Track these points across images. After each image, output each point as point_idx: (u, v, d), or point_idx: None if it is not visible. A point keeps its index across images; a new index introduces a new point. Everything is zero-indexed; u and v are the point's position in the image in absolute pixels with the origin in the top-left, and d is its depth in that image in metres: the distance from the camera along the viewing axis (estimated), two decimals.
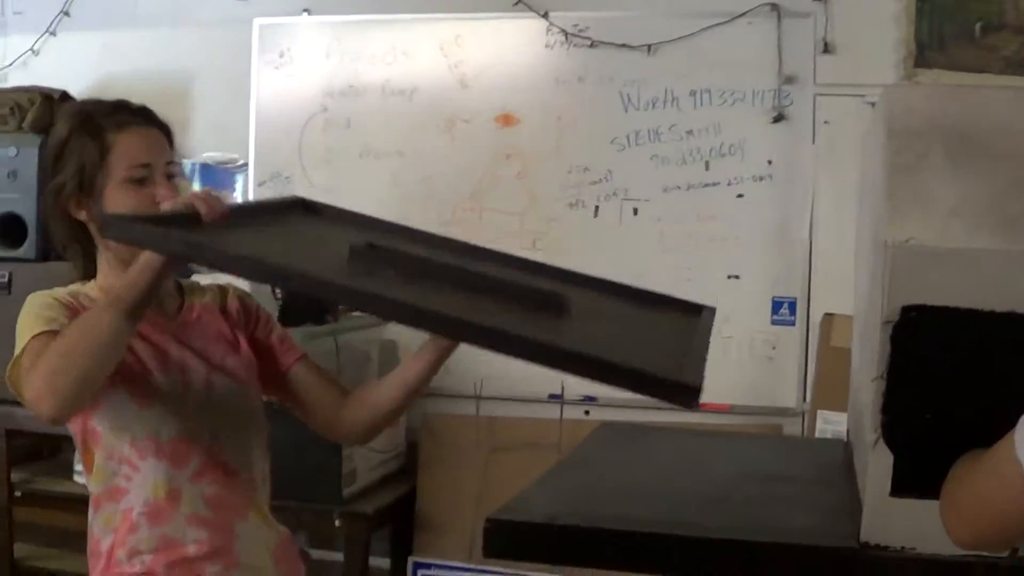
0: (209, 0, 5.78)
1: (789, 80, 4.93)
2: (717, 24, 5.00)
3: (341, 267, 2.22)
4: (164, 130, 2.69)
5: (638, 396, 1.80)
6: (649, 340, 2.31)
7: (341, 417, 2.78)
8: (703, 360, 2.06)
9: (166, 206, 2.42)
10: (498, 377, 5.13)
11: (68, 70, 5.77)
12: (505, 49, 5.29)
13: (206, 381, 2.65)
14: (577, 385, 4.98)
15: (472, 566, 4.86)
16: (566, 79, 5.22)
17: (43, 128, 5.41)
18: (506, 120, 5.29)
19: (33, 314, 2.50)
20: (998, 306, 1.61)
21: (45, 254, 5.29)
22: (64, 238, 2.67)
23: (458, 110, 5.35)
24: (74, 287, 2.66)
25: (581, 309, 2.25)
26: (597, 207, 5.20)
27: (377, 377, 4.95)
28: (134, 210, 2.55)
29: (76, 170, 2.56)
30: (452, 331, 2.07)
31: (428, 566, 4.97)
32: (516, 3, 5.22)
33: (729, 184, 5.04)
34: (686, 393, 1.80)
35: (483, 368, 5.12)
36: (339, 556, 4.77)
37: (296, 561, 2.87)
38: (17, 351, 2.46)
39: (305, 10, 5.60)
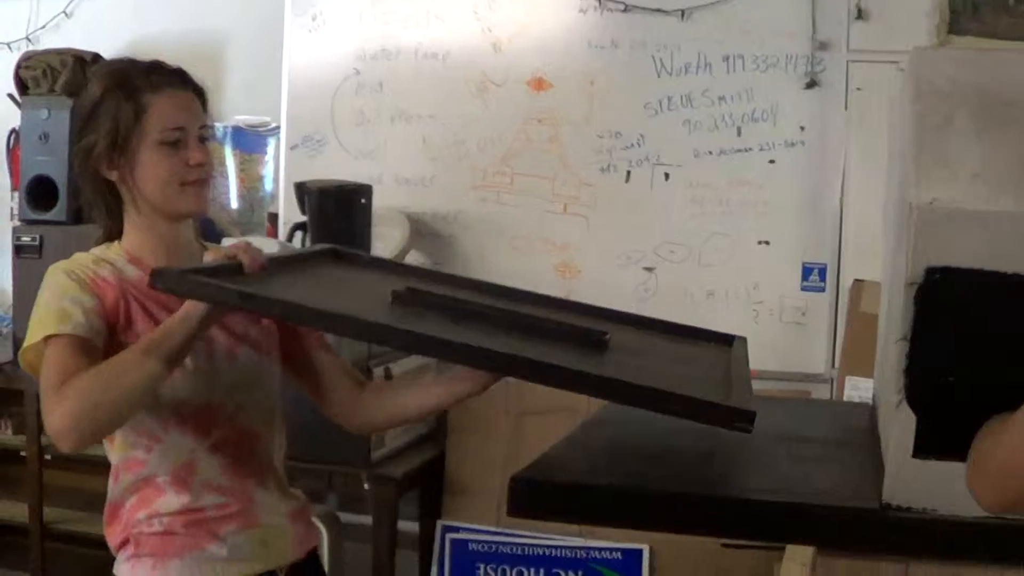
0: None
1: (822, 46, 4.91)
2: None
3: (387, 311, 2.28)
4: (199, 93, 2.70)
5: None
6: (692, 371, 2.37)
7: (355, 411, 2.80)
8: (749, 386, 2.09)
9: (208, 258, 2.45)
10: None
11: (100, 32, 5.78)
12: (538, 13, 5.28)
13: (229, 352, 2.66)
14: None
15: (501, 529, 4.88)
16: (599, 44, 5.21)
17: (75, 91, 5.43)
18: (539, 84, 5.29)
19: (51, 300, 2.52)
20: (1022, 268, 1.62)
21: (77, 217, 5.31)
22: (92, 197, 2.69)
23: (491, 74, 5.35)
24: (99, 250, 2.67)
25: (619, 344, 2.31)
26: (629, 172, 5.19)
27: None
28: (168, 172, 2.58)
29: (109, 129, 2.58)
30: (508, 367, 2.09)
31: (456, 529, 5.00)
32: None
33: (761, 150, 5.02)
34: (742, 418, 1.88)
35: None
36: (368, 519, 4.80)
37: (311, 526, 2.89)
38: (31, 338, 2.49)
39: None
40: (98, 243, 2.72)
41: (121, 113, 2.57)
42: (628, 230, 5.18)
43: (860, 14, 4.88)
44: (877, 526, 1.81)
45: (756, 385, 2.69)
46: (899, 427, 1.77)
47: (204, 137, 2.66)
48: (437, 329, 2.16)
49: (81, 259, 2.63)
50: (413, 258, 5.36)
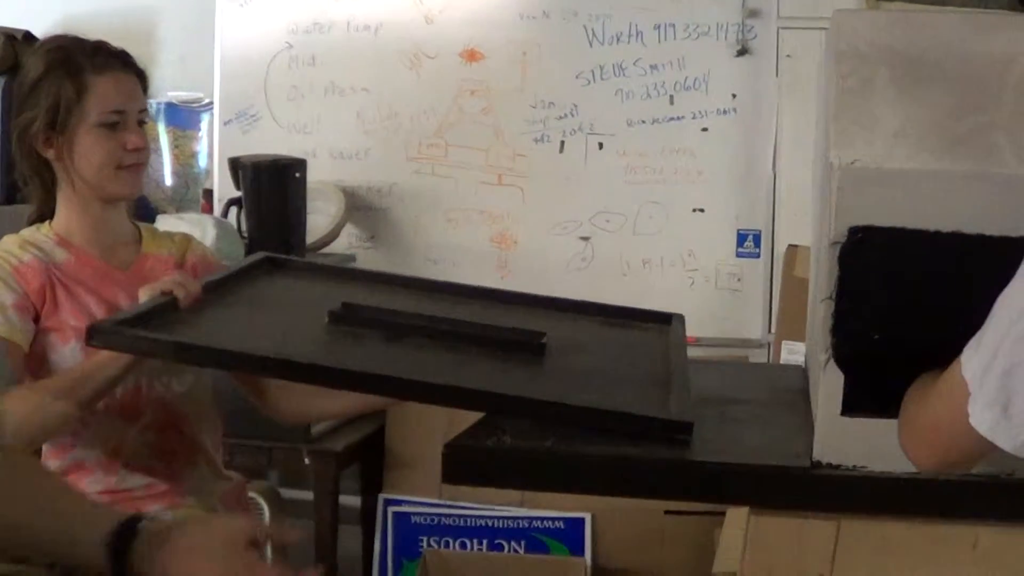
0: None
1: (752, 13, 4.94)
2: None
3: (324, 335, 2.29)
4: (140, 76, 2.71)
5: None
6: (631, 367, 2.37)
7: (279, 406, 2.82)
8: (687, 382, 2.11)
9: (143, 294, 2.41)
10: None
11: (30, 9, 5.72)
12: None
13: None
14: None
15: (443, 501, 4.89)
16: (531, 14, 5.21)
17: (5, 69, 5.39)
18: (471, 56, 5.28)
19: None
20: (943, 226, 1.64)
21: (9, 197, 5.27)
22: (27, 173, 2.68)
23: (423, 46, 5.33)
24: (28, 232, 2.67)
25: (558, 344, 2.31)
26: (563, 142, 5.20)
27: None
28: (106, 154, 2.57)
29: (48, 107, 2.57)
30: (445, 399, 2.09)
31: (398, 502, 5.00)
32: None
33: (694, 118, 5.05)
34: (679, 430, 1.91)
35: None
36: (309, 495, 4.79)
37: (247, 505, 2.90)
38: None
39: None
40: (31, 220, 2.71)
41: (62, 91, 2.56)
42: (563, 200, 5.19)
43: None
44: (808, 483, 1.83)
45: (694, 352, 2.73)
46: (827, 386, 1.79)
47: (142, 121, 2.66)
48: (374, 356, 2.19)
49: (7, 244, 2.63)
50: (348, 231, 5.36)
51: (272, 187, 4.94)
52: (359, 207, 5.42)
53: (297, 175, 4.97)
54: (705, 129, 5.03)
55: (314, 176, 5.12)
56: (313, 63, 5.49)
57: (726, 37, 4.98)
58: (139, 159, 2.66)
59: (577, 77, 5.15)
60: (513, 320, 2.47)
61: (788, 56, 4.93)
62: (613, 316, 2.73)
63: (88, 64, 2.59)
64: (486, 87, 5.27)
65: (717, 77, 5.01)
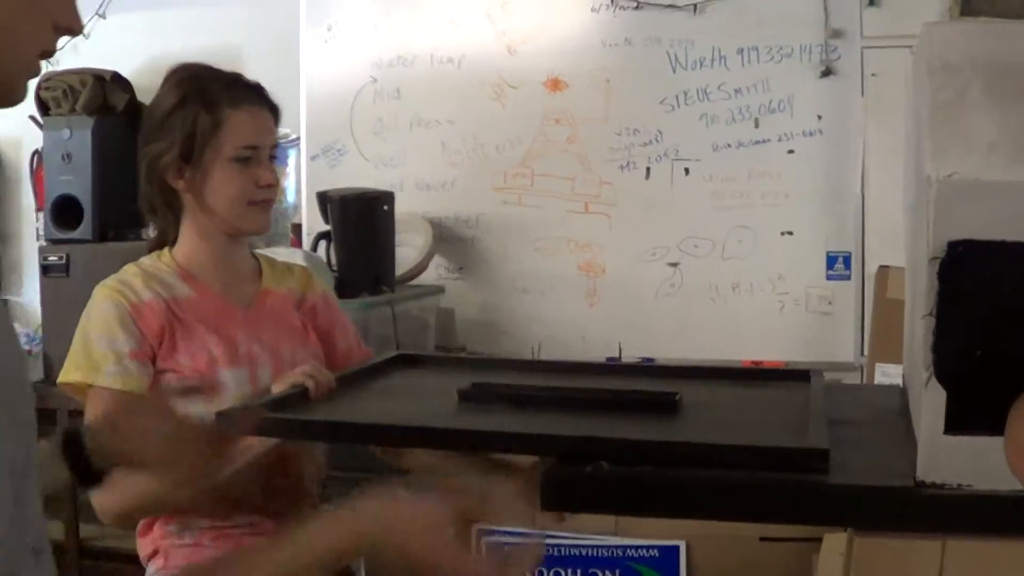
0: None
1: (836, 34, 4.91)
2: None
3: (453, 411, 2.27)
4: (273, 110, 2.68)
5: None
6: (766, 415, 2.33)
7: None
8: (824, 422, 2.06)
9: (276, 387, 2.40)
10: (556, 340, 5.16)
11: (119, 51, 5.79)
12: (551, 14, 5.29)
13: (275, 377, 2.64)
14: (635, 348, 5.00)
15: (536, 531, 4.87)
16: (613, 42, 5.22)
17: (95, 109, 5.47)
18: (554, 85, 5.30)
19: (90, 333, 2.53)
20: None
21: (102, 235, 5.34)
22: (153, 202, 2.67)
23: (507, 76, 5.36)
24: (149, 262, 2.65)
25: (691, 403, 2.27)
26: (648, 168, 5.20)
27: (434, 345, 5.01)
28: (238, 189, 2.57)
29: (183, 139, 2.54)
30: (576, 448, 2.01)
31: (492, 532, 4.99)
32: None
33: (779, 140, 5.02)
34: (814, 458, 1.84)
35: (541, 330, 5.16)
36: None
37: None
38: (68, 370, 2.51)
39: None
40: (151, 247, 2.70)
41: (198, 123, 2.53)
42: (650, 226, 5.18)
43: (872, 1, 4.88)
44: (912, 504, 1.80)
45: (717, 364, 2.71)
46: (929, 404, 1.76)
47: (274, 156, 2.65)
48: (505, 423, 2.15)
49: (127, 278, 2.60)
50: (437, 262, 5.39)
51: (360, 220, 4.96)
52: (447, 238, 5.44)
53: (385, 208, 5.00)
54: (791, 151, 5.00)
55: (401, 208, 5.14)
56: (398, 96, 5.53)
57: (810, 58, 4.95)
58: (270, 195, 2.63)
59: (661, 103, 5.15)
60: (643, 387, 2.44)
61: (873, 75, 4.89)
62: (748, 378, 2.69)
63: (225, 97, 2.56)
64: (570, 115, 5.27)
65: (802, 99, 4.99)
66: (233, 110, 2.55)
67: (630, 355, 4.97)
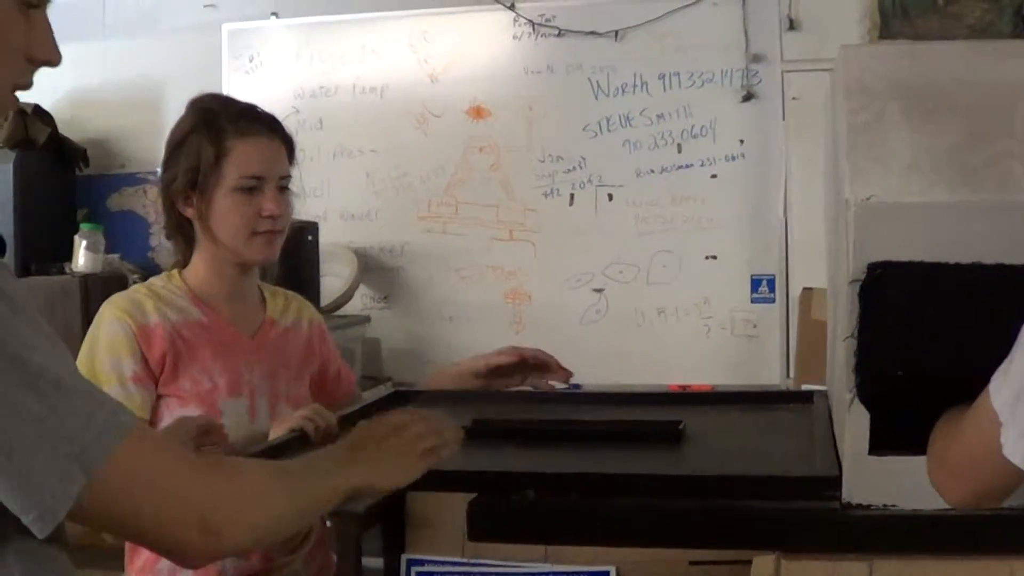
0: (177, 8, 5.78)
1: (756, 59, 4.95)
2: (683, 7, 5.01)
3: (456, 451, 2.25)
4: (286, 142, 2.68)
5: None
6: (773, 442, 2.31)
7: None
8: (831, 448, 2.05)
9: (274, 433, 2.39)
10: None
11: (39, 84, 5.69)
12: (473, 42, 5.30)
13: (271, 409, 2.63)
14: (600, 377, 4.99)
15: (466, 559, 4.85)
16: (535, 69, 5.24)
17: (16, 143, 5.41)
18: (477, 113, 5.30)
19: (94, 352, 2.50)
20: (962, 258, 1.62)
21: (25, 269, 5.28)
22: (169, 228, 2.67)
23: (429, 105, 5.36)
24: (160, 283, 2.64)
25: (696, 431, 2.27)
26: (572, 195, 5.21)
27: (360, 376, 4.98)
28: (241, 219, 2.56)
29: (189, 168, 2.55)
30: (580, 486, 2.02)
31: (422, 562, 4.96)
32: None
33: (702, 165, 5.06)
34: (825, 486, 1.82)
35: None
36: (332, 557, 4.76)
37: (327, 557, 2.88)
38: None
39: (273, 13, 5.60)
40: (174, 267, 2.69)
41: (202, 153, 2.54)
42: (575, 253, 5.19)
43: (792, 24, 4.93)
44: (839, 526, 1.80)
45: (721, 389, 2.71)
46: (853, 425, 1.77)
47: (284, 187, 2.63)
48: (510, 460, 2.15)
49: (138, 297, 2.59)
50: (362, 292, 5.37)
51: (284, 250, 4.92)
52: (372, 268, 5.43)
53: (309, 238, 4.98)
54: (714, 176, 5.04)
55: (326, 238, 5.14)
56: (320, 126, 5.52)
57: (731, 83, 4.98)
58: (274, 226, 2.61)
59: (584, 129, 5.17)
60: (646, 417, 2.44)
61: (794, 99, 4.93)
62: (750, 401, 2.68)
63: (231, 128, 2.56)
64: (493, 143, 5.28)
65: (724, 123, 5.02)
66: (238, 140, 2.55)
67: (591, 386, 4.96)
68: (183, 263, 2.69)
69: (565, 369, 2.82)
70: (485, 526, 1.94)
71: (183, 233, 2.66)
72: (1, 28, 1.46)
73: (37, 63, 1.53)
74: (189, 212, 2.60)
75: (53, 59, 1.54)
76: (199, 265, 2.66)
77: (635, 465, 2.06)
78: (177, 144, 2.62)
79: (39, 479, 1.35)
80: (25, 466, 1.34)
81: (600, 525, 1.90)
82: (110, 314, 2.56)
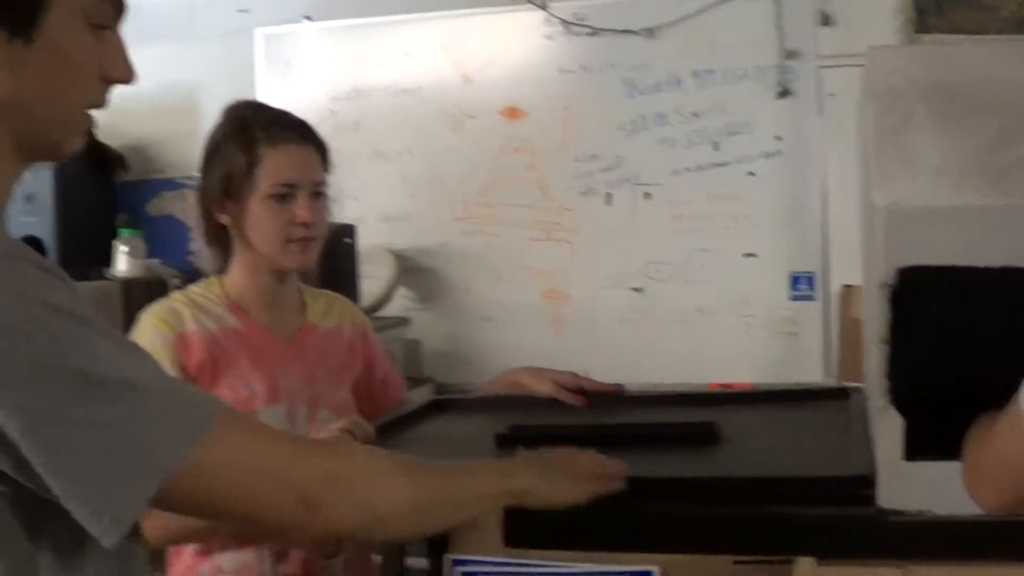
0: (211, 13, 5.81)
1: (791, 55, 4.91)
2: (716, 3, 4.98)
3: (489, 457, 2.24)
4: (319, 148, 2.68)
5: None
6: (808, 441, 2.29)
7: None
8: (868, 445, 2.03)
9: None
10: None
11: None
12: (506, 43, 5.29)
13: (310, 415, 2.64)
14: (602, 375, 4.96)
15: (509, 560, 4.85)
16: (569, 68, 5.22)
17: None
18: (512, 113, 5.29)
19: None
20: (993, 261, 1.60)
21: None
22: (205, 235, 2.68)
23: (464, 106, 5.36)
24: (198, 291, 2.67)
25: (730, 430, 2.26)
26: (609, 194, 5.19)
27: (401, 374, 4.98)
28: (274, 227, 2.57)
29: (223, 176, 2.57)
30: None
31: (465, 562, 4.96)
32: None
33: (739, 163, 5.02)
34: (857, 486, 1.80)
35: (507, 359, 5.13)
36: (376, 559, 4.77)
37: (368, 560, 2.87)
38: None
39: (306, 17, 5.61)
40: (214, 273, 2.70)
41: (235, 161, 2.56)
42: (613, 252, 5.17)
43: (826, 20, 4.89)
44: (874, 531, 1.79)
45: (755, 388, 2.68)
46: (887, 431, 1.75)
47: (319, 193, 2.63)
48: None
49: (176, 306, 2.60)
50: (401, 294, 5.38)
51: (322, 253, 4.93)
52: (410, 269, 5.43)
53: (347, 240, 4.98)
54: (751, 173, 5.00)
55: (364, 241, 5.13)
56: (356, 129, 5.52)
57: (766, 79, 4.95)
58: (309, 233, 2.62)
59: (619, 128, 5.15)
60: (680, 417, 2.43)
61: (831, 95, 4.89)
62: (786, 399, 2.65)
63: (262, 136, 2.57)
64: (529, 144, 5.27)
65: (760, 120, 4.99)
66: (269, 148, 2.56)
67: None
68: (222, 269, 2.70)
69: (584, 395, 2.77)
70: (521, 532, 1.94)
71: (220, 240, 2.67)
72: (75, 51, 1.50)
73: (111, 82, 1.56)
74: (224, 219, 2.61)
75: (127, 77, 1.58)
76: (236, 272, 2.67)
77: (669, 468, 2.05)
78: (211, 152, 2.63)
79: (110, 487, 1.38)
80: (94, 475, 1.37)
81: (631, 530, 1.90)
82: (148, 323, 2.57)
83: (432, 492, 1.71)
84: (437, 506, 1.73)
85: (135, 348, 1.50)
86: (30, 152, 1.57)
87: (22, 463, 1.37)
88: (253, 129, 2.59)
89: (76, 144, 1.58)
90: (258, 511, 1.53)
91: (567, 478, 1.85)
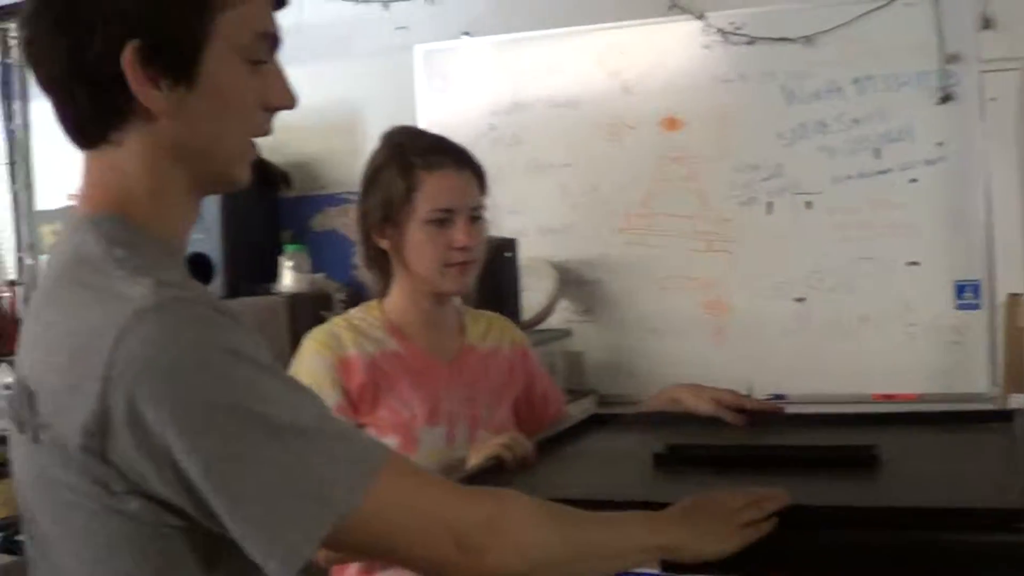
0: (370, 31, 5.89)
1: (952, 59, 4.81)
2: (874, 9, 4.90)
3: (648, 479, 2.26)
4: (477, 173, 2.72)
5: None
6: (969, 467, 2.26)
7: None
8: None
9: (471, 461, 2.41)
10: (684, 380, 5.06)
11: None
12: (664, 53, 5.27)
13: (470, 435, 2.67)
14: (764, 385, 4.94)
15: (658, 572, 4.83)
16: (727, 77, 5.18)
17: None
18: (671, 124, 5.27)
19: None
20: None
21: (234, 290, 5.41)
22: (364, 259, 2.74)
23: (622, 117, 5.35)
24: (358, 315, 2.74)
25: (891, 455, 2.23)
26: (770, 203, 5.14)
27: (563, 387, 4.99)
28: (433, 252, 2.61)
29: (382, 201, 2.63)
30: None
31: None
32: (671, 7, 5.20)
33: (901, 170, 4.93)
34: (1017, 516, 1.77)
35: (669, 370, 5.13)
36: None
37: None
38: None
39: (464, 33, 5.66)
40: (378, 297, 2.77)
41: (394, 187, 2.60)
42: (774, 262, 5.12)
43: (987, 23, 4.79)
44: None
45: (917, 408, 2.64)
46: None
47: (476, 217, 2.68)
48: (698, 490, 2.13)
49: (337, 330, 2.66)
50: (563, 306, 5.39)
51: (484, 267, 4.96)
52: (571, 281, 5.44)
53: (508, 254, 5.00)
54: (914, 180, 4.91)
55: (525, 254, 5.15)
56: (516, 142, 5.55)
57: (927, 85, 4.85)
58: (467, 257, 2.66)
59: (779, 137, 5.10)
60: (839, 439, 2.41)
61: (992, 100, 4.78)
62: (947, 421, 2.61)
63: (420, 161, 2.61)
64: (687, 153, 5.25)
65: (922, 127, 4.89)
66: (428, 174, 2.60)
67: (760, 393, 4.86)
68: (381, 293, 2.74)
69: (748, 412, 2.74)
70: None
71: (380, 264, 2.72)
72: (235, 89, 1.57)
73: (274, 110, 1.63)
74: (384, 244, 2.65)
75: (289, 104, 1.65)
76: (396, 295, 2.70)
77: (827, 494, 2.03)
78: (370, 178, 2.67)
79: (286, 526, 1.42)
80: (271, 515, 1.42)
81: (784, 556, 1.88)
82: (310, 348, 2.63)
83: (584, 543, 1.72)
84: (588, 557, 1.73)
85: (306, 390, 1.54)
86: (203, 189, 1.65)
87: (201, 502, 1.42)
88: (411, 155, 2.63)
89: (245, 175, 1.64)
90: (419, 555, 1.55)
91: (719, 528, 1.82)
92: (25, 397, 1.51)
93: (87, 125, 1.57)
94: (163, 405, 1.38)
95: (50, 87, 1.57)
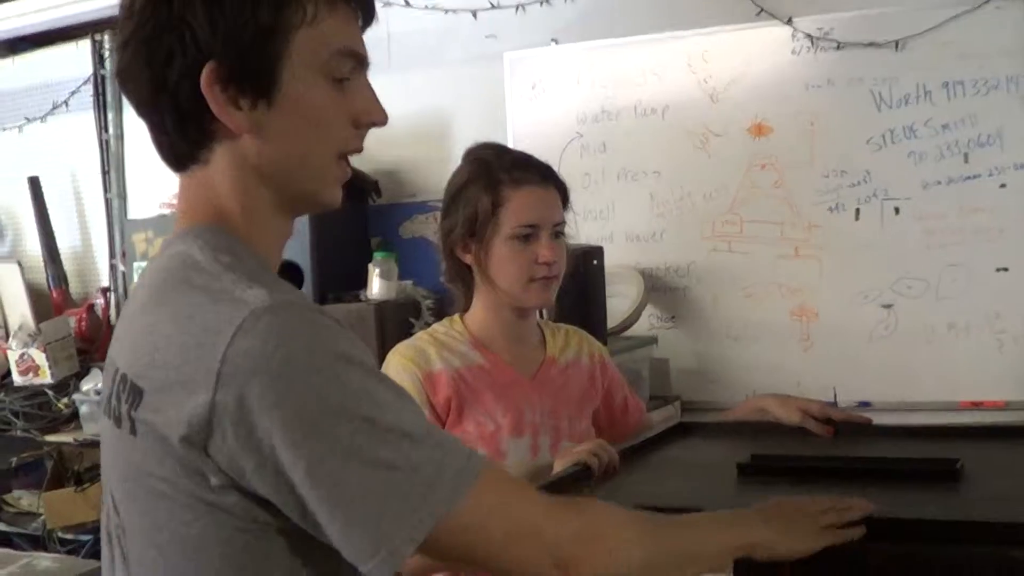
0: (459, 39, 5.91)
1: None
2: (964, 12, 4.86)
3: (732, 488, 2.29)
4: (560, 189, 2.77)
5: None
6: None
7: None
8: None
9: (557, 467, 2.42)
10: (771, 387, 5.08)
11: None
12: (752, 59, 5.26)
13: (553, 445, 2.70)
14: (851, 392, 4.92)
15: None
16: (816, 83, 5.16)
17: None
18: (759, 130, 5.27)
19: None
20: None
21: (322, 298, 5.47)
22: (449, 274, 2.79)
23: (710, 124, 5.34)
24: (442, 330, 2.81)
25: (974, 468, 2.24)
26: (858, 209, 5.11)
27: (648, 396, 4.99)
28: (517, 267, 2.67)
29: (467, 217, 2.69)
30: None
31: None
32: (759, 13, 5.19)
33: (991, 175, 4.89)
34: None
35: (755, 377, 5.12)
36: None
37: None
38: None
39: (553, 40, 5.67)
40: (461, 311, 2.80)
41: (479, 203, 2.66)
42: (862, 268, 5.09)
43: None
44: None
45: (1005, 417, 2.62)
46: None
47: (559, 232, 2.72)
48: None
49: (422, 345, 2.71)
50: (649, 312, 5.39)
51: (571, 274, 4.98)
52: (658, 288, 5.44)
53: (595, 261, 5.01)
54: (1003, 185, 4.87)
55: (611, 260, 5.15)
56: (604, 149, 5.56)
57: (1017, 89, 4.81)
58: (550, 272, 2.71)
59: (867, 143, 5.07)
60: (925, 452, 2.40)
61: None
62: None
63: (506, 178, 2.67)
64: (776, 160, 5.23)
65: (1011, 131, 4.84)
66: (513, 190, 2.65)
67: (846, 400, 4.86)
68: (464, 307, 2.77)
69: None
70: (750, 570, 1.94)
71: (463, 279, 2.76)
72: (316, 106, 1.60)
73: (364, 127, 1.67)
74: (468, 259, 2.69)
75: (379, 120, 1.69)
76: (479, 310, 2.74)
77: (909, 507, 2.02)
78: (455, 194, 2.71)
79: (387, 526, 1.45)
80: (374, 514, 1.45)
81: (863, 569, 1.88)
82: (396, 363, 2.67)
83: (669, 547, 1.73)
84: (674, 559, 1.75)
85: (409, 396, 1.57)
86: (292, 207, 1.68)
87: (298, 500, 1.45)
88: (497, 171, 2.67)
89: (335, 195, 1.67)
90: (511, 564, 1.57)
91: (797, 529, 1.83)
92: (126, 391, 1.55)
93: (177, 148, 1.62)
94: (272, 403, 1.42)
95: (142, 113, 1.62)
